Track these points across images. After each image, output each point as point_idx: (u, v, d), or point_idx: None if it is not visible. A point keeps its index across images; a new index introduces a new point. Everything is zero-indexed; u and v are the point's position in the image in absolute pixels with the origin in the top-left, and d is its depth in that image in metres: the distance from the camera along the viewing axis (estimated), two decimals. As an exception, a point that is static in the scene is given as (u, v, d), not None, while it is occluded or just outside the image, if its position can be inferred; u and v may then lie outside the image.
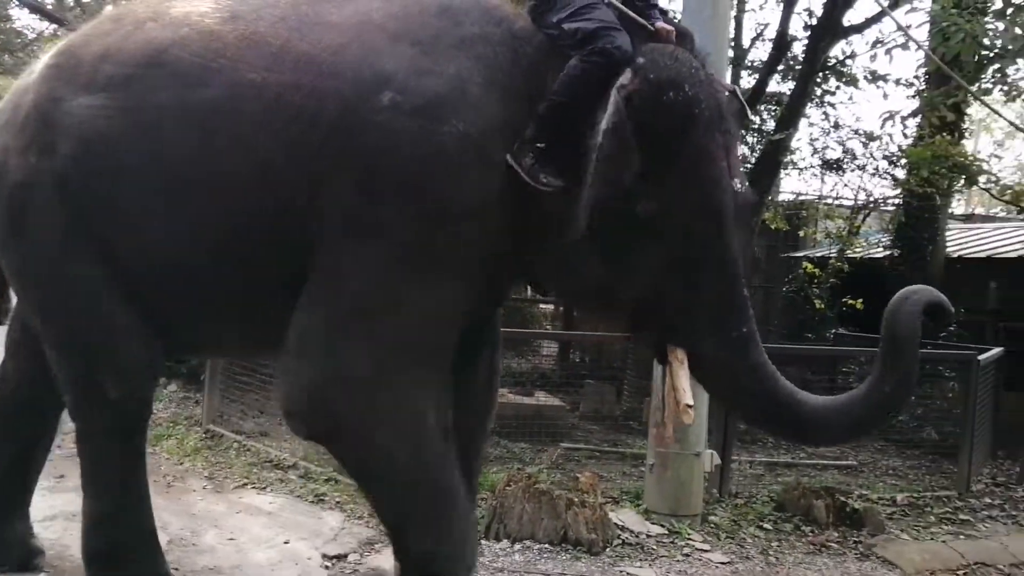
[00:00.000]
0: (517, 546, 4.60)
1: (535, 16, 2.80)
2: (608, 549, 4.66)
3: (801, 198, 13.15)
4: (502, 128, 2.62)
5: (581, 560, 4.52)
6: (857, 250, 11.36)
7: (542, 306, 16.37)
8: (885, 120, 9.49)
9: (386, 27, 2.69)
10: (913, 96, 10.48)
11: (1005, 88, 8.69)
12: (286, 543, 4.39)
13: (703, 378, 2.77)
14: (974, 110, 12.41)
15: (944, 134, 9.40)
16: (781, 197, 13.49)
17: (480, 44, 2.69)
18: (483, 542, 4.62)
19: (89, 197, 2.78)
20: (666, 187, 2.58)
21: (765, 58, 10.30)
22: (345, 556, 4.31)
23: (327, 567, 4.17)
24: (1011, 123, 8.63)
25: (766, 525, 5.36)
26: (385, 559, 3.89)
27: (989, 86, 8.75)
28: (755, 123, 11.02)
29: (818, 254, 12.12)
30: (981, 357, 6.82)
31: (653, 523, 5.06)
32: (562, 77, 2.60)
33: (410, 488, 2.72)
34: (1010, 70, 8.22)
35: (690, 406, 2.66)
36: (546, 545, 4.61)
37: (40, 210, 2.84)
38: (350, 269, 2.61)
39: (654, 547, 4.79)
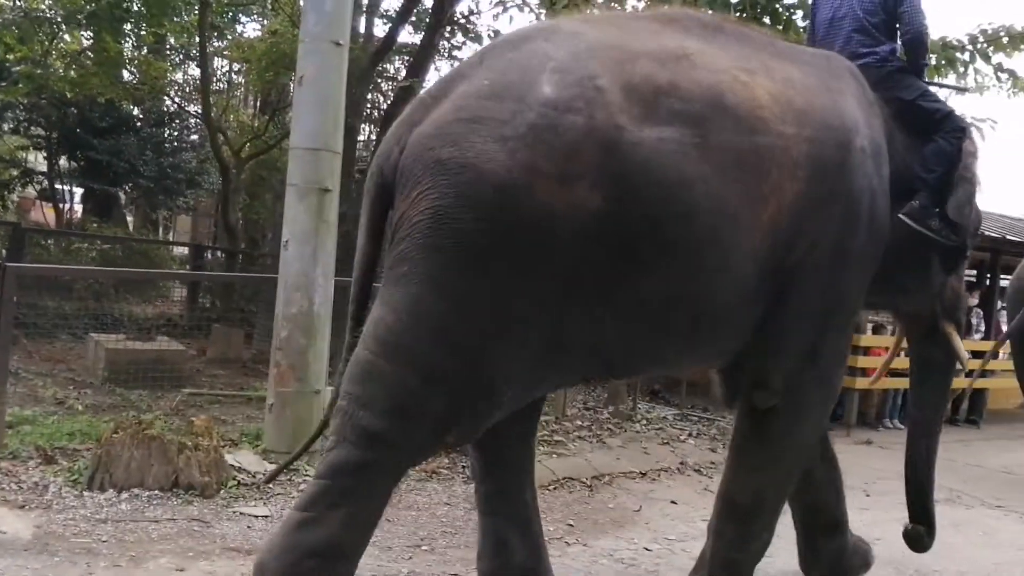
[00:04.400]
0: (124, 495, 4.42)
1: (879, 90, 3.48)
2: (223, 491, 4.63)
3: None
4: (891, 183, 3.35)
5: (193, 504, 4.45)
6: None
7: (175, 250, 15.59)
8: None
9: (834, 88, 3.20)
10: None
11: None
12: None
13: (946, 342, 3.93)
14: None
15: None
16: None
17: (876, 106, 3.38)
18: (85, 494, 4.39)
19: (652, 235, 2.62)
20: (962, 226, 3.58)
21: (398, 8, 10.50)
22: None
23: None
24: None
25: (383, 457, 5.61)
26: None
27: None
28: (389, 72, 11.24)
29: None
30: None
31: (271, 462, 5.10)
32: (937, 151, 3.50)
33: (797, 460, 3.47)
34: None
35: (968, 359, 4.07)
36: (156, 492, 4.48)
37: (555, 253, 2.52)
38: (835, 292, 3.17)
39: (271, 486, 4.83)
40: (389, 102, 10.55)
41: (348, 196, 8.72)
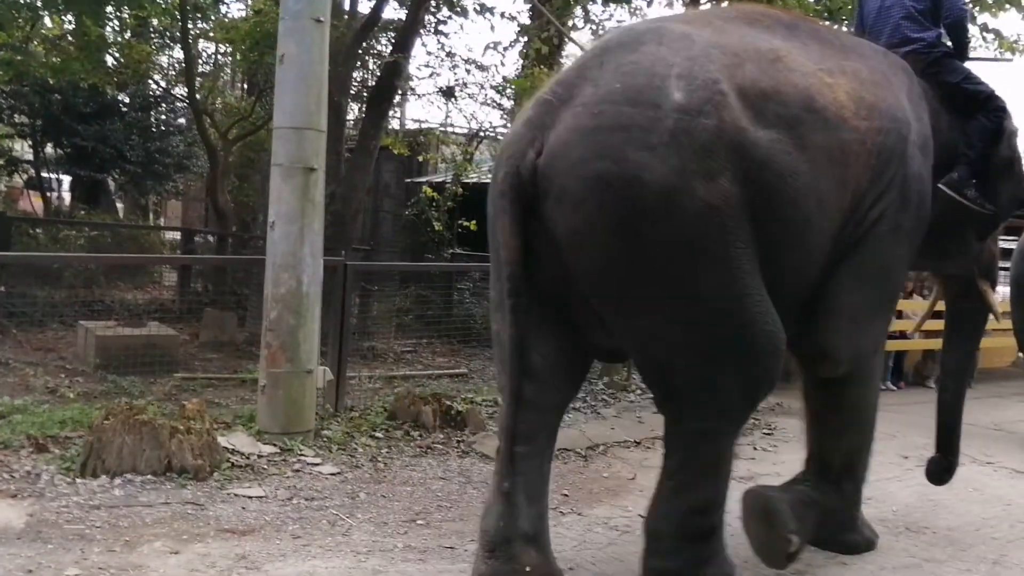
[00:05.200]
0: (117, 480, 4.41)
1: (927, 74, 3.91)
2: (216, 473, 4.63)
3: (424, 125, 13.60)
4: (939, 159, 3.78)
5: (187, 487, 4.44)
6: (471, 176, 12.04)
7: (166, 235, 15.52)
8: (487, 49, 10.10)
9: (893, 82, 3.62)
10: (519, 31, 11.18)
11: (593, 27, 9.63)
12: None
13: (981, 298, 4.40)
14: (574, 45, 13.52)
15: (542, 66, 10.16)
16: (407, 124, 13.92)
17: (925, 98, 3.80)
18: (78, 481, 4.39)
19: (767, 221, 3.02)
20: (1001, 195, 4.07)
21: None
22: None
23: None
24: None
25: (378, 434, 5.63)
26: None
27: (579, 23, 9.63)
28: (375, 49, 11.16)
29: (437, 179, 12.66)
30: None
31: (265, 443, 5.11)
32: (979, 128, 3.90)
33: (872, 419, 3.95)
34: (593, 8, 9.07)
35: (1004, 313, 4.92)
36: (149, 476, 4.48)
37: (726, 232, 2.94)
38: (887, 263, 3.56)
39: (265, 466, 4.85)
40: (376, 79, 10.44)
41: (336, 175, 8.69)
